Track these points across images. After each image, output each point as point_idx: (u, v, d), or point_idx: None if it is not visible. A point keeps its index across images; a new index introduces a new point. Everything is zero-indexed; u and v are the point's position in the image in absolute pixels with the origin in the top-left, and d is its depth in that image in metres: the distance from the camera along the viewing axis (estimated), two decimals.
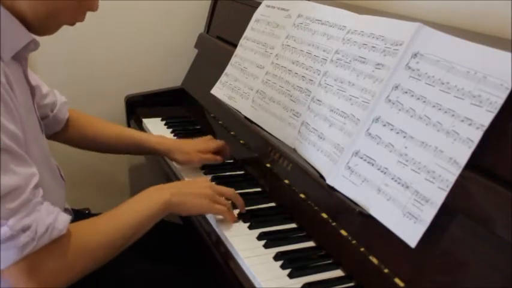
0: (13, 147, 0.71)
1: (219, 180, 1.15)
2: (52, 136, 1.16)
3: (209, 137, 1.30)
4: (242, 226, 0.98)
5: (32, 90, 0.88)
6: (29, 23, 0.78)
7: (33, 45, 0.81)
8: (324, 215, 0.93)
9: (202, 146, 1.22)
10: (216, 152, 1.24)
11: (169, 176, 1.24)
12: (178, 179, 1.21)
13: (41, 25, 0.79)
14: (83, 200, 1.33)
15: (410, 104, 0.81)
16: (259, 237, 0.94)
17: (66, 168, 1.01)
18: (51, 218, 0.75)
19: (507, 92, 0.67)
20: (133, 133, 1.25)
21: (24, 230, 0.71)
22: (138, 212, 0.88)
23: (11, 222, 0.70)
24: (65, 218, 0.77)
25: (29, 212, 0.72)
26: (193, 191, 0.96)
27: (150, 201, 0.90)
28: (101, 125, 1.23)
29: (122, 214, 0.87)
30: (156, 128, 1.48)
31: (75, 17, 0.83)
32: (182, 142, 1.25)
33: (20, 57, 0.82)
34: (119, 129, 1.24)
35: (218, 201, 0.97)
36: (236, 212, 1.01)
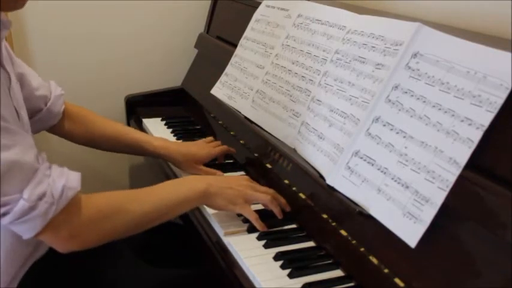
0: None
1: None
2: (50, 129, 1.15)
3: (210, 139, 1.29)
4: (242, 226, 0.98)
5: (9, 76, 0.86)
6: None
7: (2, 25, 0.79)
8: (324, 215, 0.93)
9: (203, 153, 1.21)
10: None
11: (169, 176, 1.24)
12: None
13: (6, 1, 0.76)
14: None
15: (410, 104, 0.81)
16: (259, 238, 0.94)
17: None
18: (63, 179, 0.77)
19: (507, 92, 0.67)
20: (135, 134, 1.23)
21: (41, 197, 0.73)
22: (175, 193, 0.91)
23: (26, 195, 0.72)
24: (75, 176, 0.80)
25: (40, 179, 0.74)
26: (231, 186, 0.97)
27: (188, 187, 0.93)
28: (103, 123, 1.22)
29: (160, 191, 0.91)
30: (156, 128, 1.48)
31: None
32: (185, 148, 1.22)
33: None
34: (120, 128, 1.23)
35: (251, 200, 0.97)
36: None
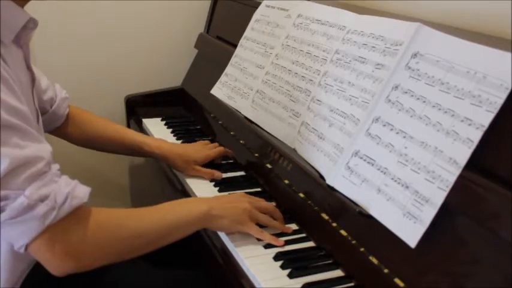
0: (16, 123, 0.69)
1: (218, 181, 1.16)
2: (51, 131, 1.16)
3: (206, 142, 1.29)
4: None
5: (33, 77, 0.87)
6: None
7: (32, 24, 0.80)
8: (324, 215, 0.93)
9: (201, 155, 1.20)
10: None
11: (170, 177, 1.24)
12: (178, 180, 1.21)
13: None
14: None
15: (410, 104, 0.81)
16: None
17: (66, 168, 1.00)
18: (69, 187, 0.74)
19: (507, 92, 0.67)
20: (133, 135, 1.23)
21: (42, 199, 0.70)
22: (176, 214, 0.88)
23: (28, 192, 0.69)
24: (84, 188, 0.77)
25: (45, 182, 0.71)
26: (232, 205, 0.94)
27: (190, 208, 0.90)
28: (102, 124, 1.22)
29: (160, 211, 0.88)
30: (156, 128, 1.48)
31: None
32: (181, 149, 1.22)
33: (21, 42, 0.81)
34: (119, 130, 1.23)
35: (257, 217, 0.95)
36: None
